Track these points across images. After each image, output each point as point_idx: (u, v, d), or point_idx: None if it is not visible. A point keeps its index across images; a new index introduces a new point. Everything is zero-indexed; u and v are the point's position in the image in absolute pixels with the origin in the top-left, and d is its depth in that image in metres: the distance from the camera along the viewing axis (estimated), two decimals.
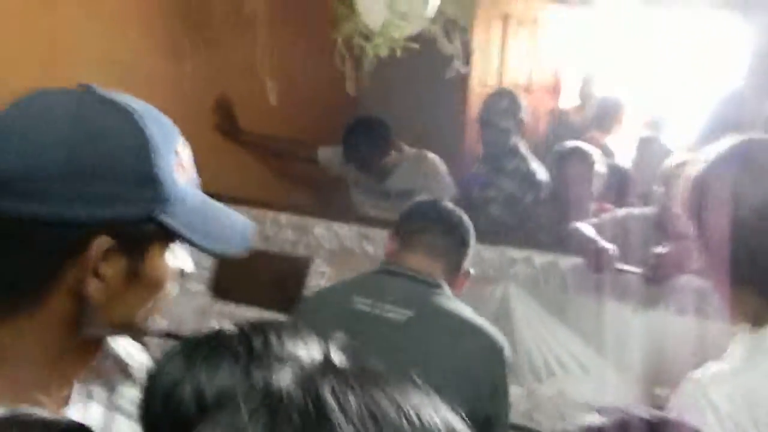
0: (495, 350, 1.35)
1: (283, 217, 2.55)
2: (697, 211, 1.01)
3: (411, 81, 2.35)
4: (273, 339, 0.62)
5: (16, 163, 0.68)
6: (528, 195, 2.78)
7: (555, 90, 3.58)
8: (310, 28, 2.39)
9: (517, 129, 2.82)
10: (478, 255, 2.21)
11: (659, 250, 1.87)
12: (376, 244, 2.40)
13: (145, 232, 0.72)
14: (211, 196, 2.62)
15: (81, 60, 2.25)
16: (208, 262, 2.73)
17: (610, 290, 1.98)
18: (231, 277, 2.77)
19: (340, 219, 2.45)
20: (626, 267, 1.95)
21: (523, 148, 2.89)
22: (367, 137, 2.71)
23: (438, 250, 1.48)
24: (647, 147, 3.19)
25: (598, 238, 2.02)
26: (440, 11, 1.68)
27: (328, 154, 3.00)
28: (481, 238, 2.29)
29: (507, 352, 1.38)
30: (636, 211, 2.23)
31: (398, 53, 1.54)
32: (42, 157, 0.68)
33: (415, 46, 1.58)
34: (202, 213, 0.77)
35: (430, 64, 1.90)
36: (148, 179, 0.70)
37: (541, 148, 3.35)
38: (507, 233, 2.57)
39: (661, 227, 2.04)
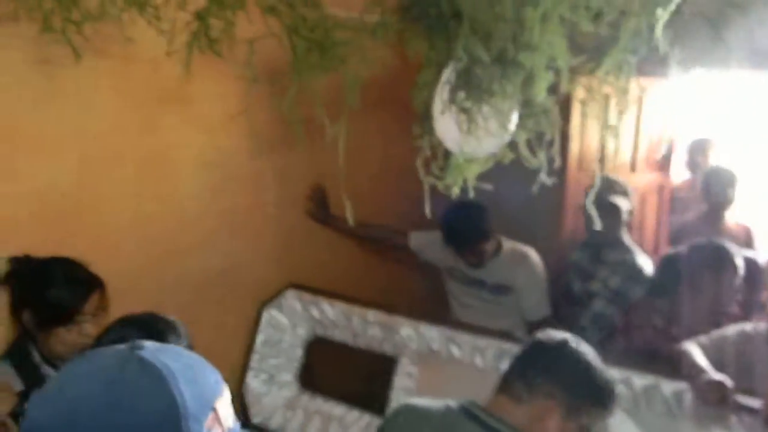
0: None
1: (371, 314, 2.52)
2: None
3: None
4: None
5: (56, 420, 0.71)
6: (635, 291, 2.59)
7: (663, 166, 3.34)
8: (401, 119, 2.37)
9: (626, 217, 2.66)
10: None
11: None
12: (462, 348, 2.31)
13: None
14: (304, 287, 2.54)
15: (179, 163, 2.36)
16: (297, 353, 2.74)
17: (724, 422, 1.78)
18: (319, 370, 2.76)
19: (427, 320, 2.38)
20: (744, 401, 1.73)
21: (627, 238, 2.71)
22: (467, 219, 2.64)
23: (523, 395, 1.42)
24: None
25: (709, 367, 1.81)
26: (521, 130, 1.60)
27: (421, 239, 2.96)
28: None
29: None
30: (749, 327, 2.00)
31: (470, 191, 1.48)
32: (77, 416, 0.70)
33: (489, 187, 1.51)
34: None
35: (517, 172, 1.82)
36: None
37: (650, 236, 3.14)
38: (605, 350, 2.39)
39: None
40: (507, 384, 1.46)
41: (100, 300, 1.83)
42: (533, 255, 2.76)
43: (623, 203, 2.63)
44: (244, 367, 2.70)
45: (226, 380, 2.72)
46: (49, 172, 1.97)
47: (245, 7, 1.68)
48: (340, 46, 1.62)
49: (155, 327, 1.48)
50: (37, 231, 1.94)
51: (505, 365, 2.22)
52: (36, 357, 1.81)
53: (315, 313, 2.68)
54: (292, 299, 2.73)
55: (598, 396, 1.43)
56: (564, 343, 1.46)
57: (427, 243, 2.93)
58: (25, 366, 1.78)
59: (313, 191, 2.93)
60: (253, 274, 2.69)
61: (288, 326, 2.73)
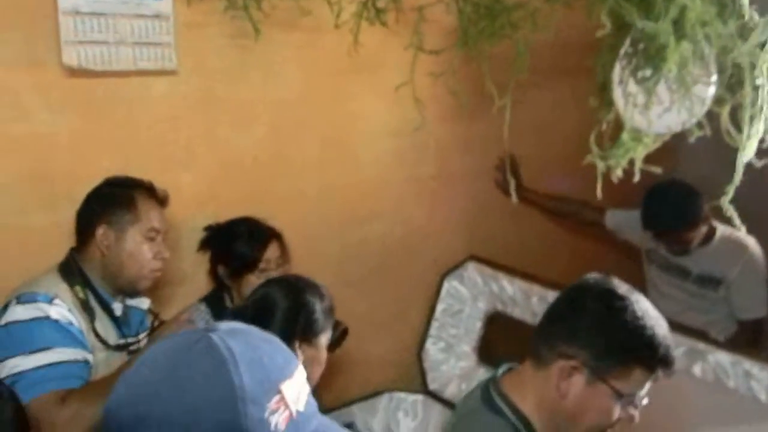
0: None
1: (551, 295, 2.37)
2: None
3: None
4: None
5: (123, 401, 0.74)
6: None
7: None
8: None
9: None
10: None
11: None
12: None
13: None
14: (484, 260, 2.43)
15: (362, 131, 2.40)
16: (476, 325, 2.69)
17: None
18: (498, 345, 2.69)
19: None
20: None
21: None
22: (673, 204, 2.34)
23: (545, 357, 1.19)
24: None
25: None
26: (721, 104, 1.36)
27: (618, 218, 2.72)
28: None
29: None
30: None
31: (636, 174, 1.28)
32: (141, 399, 0.73)
33: (658, 170, 1.30)
34: None
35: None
36: (233, 429, 0.71)
37: None
38: None
39: None
40: (533, 344, 1.21)
41: (280, 249, 1.99)
42: (753, 245, 2.39)
43: None
44: (425, 334, 2.73)
45: (407, 344, 2.74)
46: (243, 140, 2.12)
47: None
48: (511, 11, 1.50)
49: (296, 285, 1.55)
50: (232, 194, 2.11)
51: (697, 368, 1.99)
52: (228, 303, 2.02)
53: (495, 288, 2.61)
54: (473, 272, 2.68)
55: (630, 355, 1.13)
56: (600, 292, 1.16)
57: (625, 222, 2.69)
58: (218, 309, 2.01)
59: (502, 161, 2.82)
60: (434, 243, 2.68)
61: (468, 298, 2.69)
